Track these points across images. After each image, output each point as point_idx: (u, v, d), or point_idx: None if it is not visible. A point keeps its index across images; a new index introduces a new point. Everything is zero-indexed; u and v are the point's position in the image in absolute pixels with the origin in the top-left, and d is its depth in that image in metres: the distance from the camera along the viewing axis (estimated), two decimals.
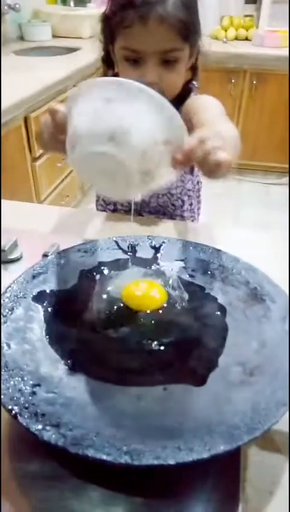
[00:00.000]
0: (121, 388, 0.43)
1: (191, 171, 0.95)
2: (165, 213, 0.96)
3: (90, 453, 0.35)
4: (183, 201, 0.97)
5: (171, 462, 0.35)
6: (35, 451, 0.43)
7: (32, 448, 0.43)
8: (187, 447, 0.36)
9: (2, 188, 1.29)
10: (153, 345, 0.48)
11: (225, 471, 0.42)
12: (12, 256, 0.70)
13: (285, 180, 2.78)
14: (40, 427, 0.37)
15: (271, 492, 0.43)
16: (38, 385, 0.42)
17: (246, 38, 2.72)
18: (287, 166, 2.76)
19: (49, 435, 0.37)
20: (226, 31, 2.74)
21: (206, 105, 0.79)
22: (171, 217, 0.98)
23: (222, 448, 0.36)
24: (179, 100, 0.82)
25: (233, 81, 2.51)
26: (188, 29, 0.72)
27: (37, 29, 2.43)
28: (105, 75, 0.89)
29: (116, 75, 0.86)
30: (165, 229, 0.85)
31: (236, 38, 2.73)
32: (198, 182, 1.00)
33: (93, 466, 0.38)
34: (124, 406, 0.41)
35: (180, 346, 0.48)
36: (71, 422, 0.38)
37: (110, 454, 0.35)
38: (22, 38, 2.46)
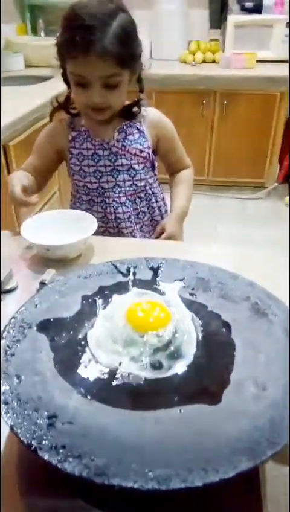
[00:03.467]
0: (137, 413, 0.43)
1: (153, 168, 1.07)
2: (135, 209, 1.05)
3: (117, 481, 0.35)
4: (148, 194, 1.07)
5: (199, 484, 0.35)
6: (48, 485, 0.42)
7: (45, 482, 0.42)
8: (212, 467, 0.36)
9: None
10: (163, 367, 0.48)
11: (246, 488, 0.42)
12: (8, 287, 0.69)
13: (259, 194, 2.85)
14: (62, 459, 0.36)
15: (287, 506, 0.43)
16: (55, 416, 0.41)
17: (214, 61, 2.82)
18: (261, 181, 2.84)
19: (72, 466, 0.36)
20: (194, 54, 2.84)
21: (173, 138, 1.08)
22: (145, 210, 1.08)
23: (246, 465, 0.36)
24: (130, 113, 1.01)
25: (204, 102, 2.59)
26: (123, 59, 0.86)
27: (9, 60, 2.46)
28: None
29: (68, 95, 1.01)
30: (152, 248, 0.87)
31: (204, 61, 2.83)
32: (159, 184, 1.12)
33: (113, 495, 0.37)
34: (142, 430, 0.40)
35: (190, 365, 0.48)
36: (92, 451, 0.38)
37: (136, 482, 0.35)
38: None
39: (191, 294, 0.59)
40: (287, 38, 2.64)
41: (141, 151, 1.01)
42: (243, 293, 0.57)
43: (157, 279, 0.62)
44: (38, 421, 0.40)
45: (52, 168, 1.09)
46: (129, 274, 0.62)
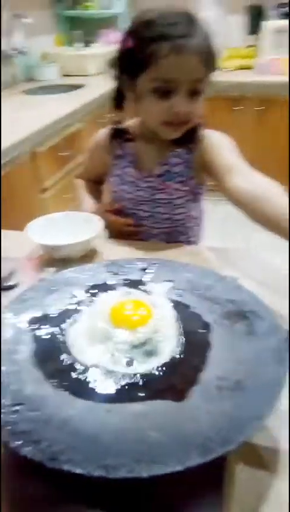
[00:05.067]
0: (102, 405, 0.44)
1: (195, 199, 0.96)
2: (169, 241, 0.96)
3: (66, 467, 0.36)
4: (187, 227, 0.98)
5: (145, 475, 0.36)
6: (33, 474, 0.44)
7: (29, 470, 0.44)
8: (161, 460, 0.37)
9: (12, 220, 1.34)
10: (138, 364, 0.49)
11: (208, 488, 0.42)
12: (9, 284, 0.72)
13: None
14: (20, 443, 0.38)
15: (254, 509, 0.43)
16: (22, 404, 0.43)
17: (250, 68, 2.79)
18: None
19: (28, 450, 0.38)
20: (229, 61, 2.83)
21: (229, 148, 0.86)
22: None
23: (196, 460, 0.36)
24: (184, 139, 0.87)
25: (237, 109, 2.57)
26: (211, 62, 0.78)
27: (46, 70, 2.56)
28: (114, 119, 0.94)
29: (119, 119, 0.92)
30: (168, 253, 0.85)
31: (240, 68, 2.81)
32: (201, 211, 1.02)
33: (93, 488, 0.38)
34: (103, 422, 0.42)
35: (164, 363, 0.49)
36: (52, 438, 0.39)
37: (85, 468, 0.36)
38: (31, 79, 2.59)
39: (178, 295, 0.60)
40: None
41: (184, 184, 0.91)
42: (229, 295, 0.58)
43: (146, 279, 0.63)
44: (6, 407, 0.42)
45: (103, 178, 1.06)
46: (119, 274, 0.64)
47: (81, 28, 2.87)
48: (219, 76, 2.78)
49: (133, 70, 0.79)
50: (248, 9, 2.89)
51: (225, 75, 2.71)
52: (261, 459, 0.47)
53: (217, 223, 2.52)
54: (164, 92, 0.78)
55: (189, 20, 0.76)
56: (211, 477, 0.42)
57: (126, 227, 0.95)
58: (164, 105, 0.79)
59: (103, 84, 2.20)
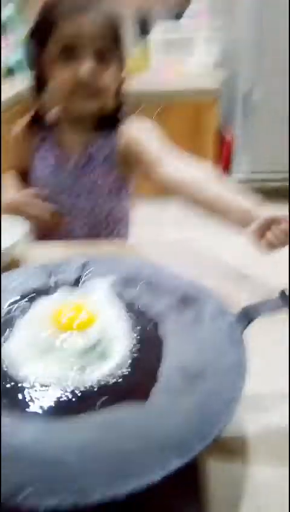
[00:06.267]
0: (56, 423, 0.38)
1: (119, 193, 0.93)
2: (91, 237, 0.93)
3: (29, 502, 0.30)
4: (110, 223, 0.94)
5: (123, 491, 0.31)
6: None
7: None
8: (138, 470, 0.33)
9: None
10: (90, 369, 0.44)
11: (184, 493, 0.39)
12: None
13: None
14: None
15: (235, 504, 0.41)
16: None
17: (140, 71, 2.81)
18: None
19: None
20: None
21: (156, 136, 0.86)
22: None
23: (176, 463, 0.33)
24: (107, 121, 0.88)
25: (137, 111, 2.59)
26: (116, 29, 0.82)
27: None
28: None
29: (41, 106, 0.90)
30: (97, 250, 0.80)
31: (131, 71, 2.82)
32: (127, 208, 0.98)
33: None
34: (65, 440, 0.36)
35: (118, 365, 0.45)
36: (6, 471, 0.33)
37: (55, 497, 0.31)
38: None
39: (121, 290, 0.56)
40: (210, 47, 2.70)
41: (108, 173, 0.88)
42: (171, 285, 0.55)
43: (84, 278, 0.58)
44: None
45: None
46: (53, 276, 0.58)
47: None
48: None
49: (42, 42, 0.80)
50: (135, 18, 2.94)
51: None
52: (230, 450, 0.45)
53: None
54: (69, 56, 0.78)
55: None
56: (187, 478, 0.39)
57: (50, 215, 0.88)
58: (69, 70, 0.79)
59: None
